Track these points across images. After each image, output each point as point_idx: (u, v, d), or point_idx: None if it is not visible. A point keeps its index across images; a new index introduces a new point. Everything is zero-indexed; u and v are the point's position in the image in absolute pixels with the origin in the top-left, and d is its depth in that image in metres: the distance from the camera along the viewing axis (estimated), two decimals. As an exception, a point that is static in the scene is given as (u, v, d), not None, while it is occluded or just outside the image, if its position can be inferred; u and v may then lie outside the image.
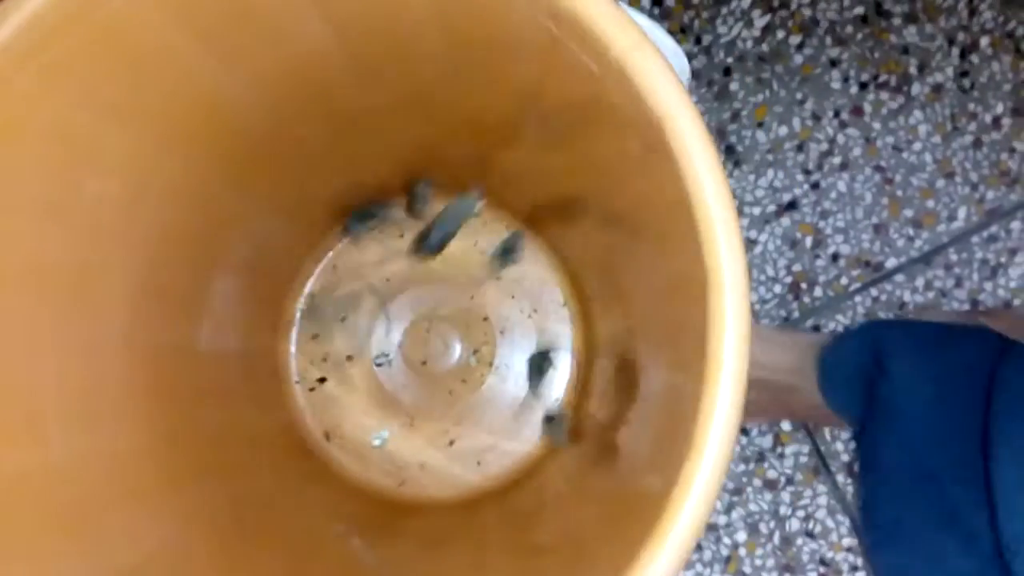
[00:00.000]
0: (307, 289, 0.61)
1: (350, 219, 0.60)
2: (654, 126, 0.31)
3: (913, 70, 0.66)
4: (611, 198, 0.45)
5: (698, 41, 0.67)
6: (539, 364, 0.60)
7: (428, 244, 0.58)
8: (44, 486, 0.35)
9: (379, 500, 0.59)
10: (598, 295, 0.58)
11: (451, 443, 0.60)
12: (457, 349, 0.60)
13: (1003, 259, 0.65)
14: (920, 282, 0.65)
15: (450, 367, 0.60)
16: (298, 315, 0.61)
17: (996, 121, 0.66)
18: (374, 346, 0.60)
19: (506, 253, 0.60)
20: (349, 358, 0.60)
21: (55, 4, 0.31)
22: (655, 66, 0.30)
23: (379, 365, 0.60)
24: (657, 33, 0.56)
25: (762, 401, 0.59)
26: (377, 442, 0.60)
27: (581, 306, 0.60)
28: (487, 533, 0.55)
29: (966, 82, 0.66)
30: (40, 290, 0.37)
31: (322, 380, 0.60)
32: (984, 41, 0.67)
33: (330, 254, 0.61)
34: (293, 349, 0.61)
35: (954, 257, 0.65)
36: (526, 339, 0.61)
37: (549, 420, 0.59)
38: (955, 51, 0.67)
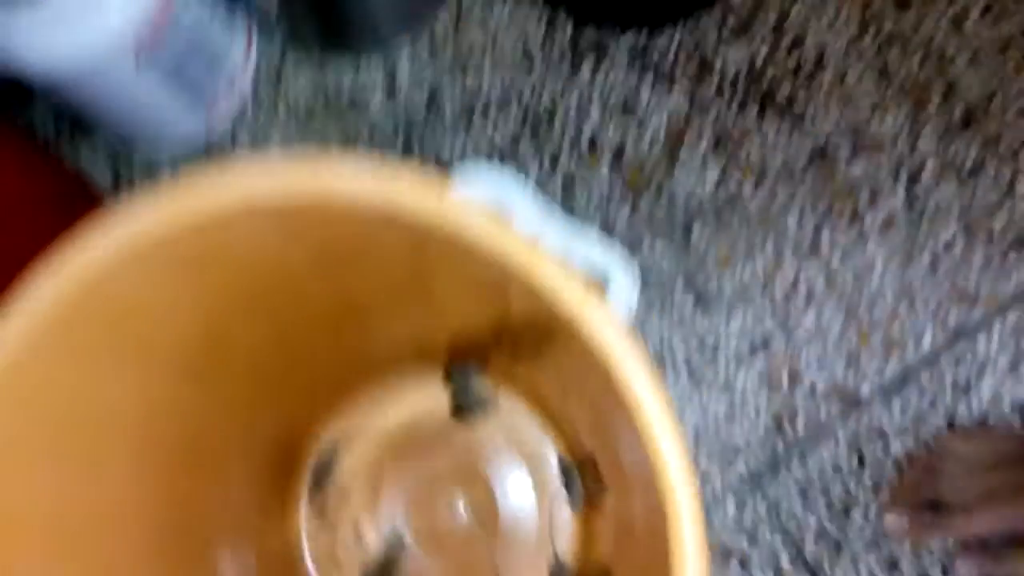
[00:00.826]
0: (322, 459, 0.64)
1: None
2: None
3: (864, 202, 0.70)
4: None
5: (659, 194, 0.71)
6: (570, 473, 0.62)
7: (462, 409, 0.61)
8: None
9: None
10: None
11: None
12: (461, 510, 0.63)
13: (972, 378, 0.68)
14: (896, 407, 0.67)
15: (457, 530, 0.63)
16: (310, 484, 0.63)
17: (948, 245, 0.69)
18: (382, 520, 0.63)
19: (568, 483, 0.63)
20: (358, 537, 0.63)
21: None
22: (604, 320, 0.34)
23: (388, 540, 0.63)
24: (607, 257, 0.62)
25: None
26: None
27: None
28: None
29: (914, 212, 0.70)
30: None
31: (337, 564, 0.63)
32: (927, 169, 0.71)
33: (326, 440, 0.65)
34: (303, 531, 0.63)
35: (926, 379, 0.68)
36: (527, 495, 0.63)
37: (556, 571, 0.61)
38: (902, 180, 0.71)
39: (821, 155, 0.71)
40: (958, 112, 0.71)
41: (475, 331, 0.57)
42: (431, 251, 0.43)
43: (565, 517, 0.63)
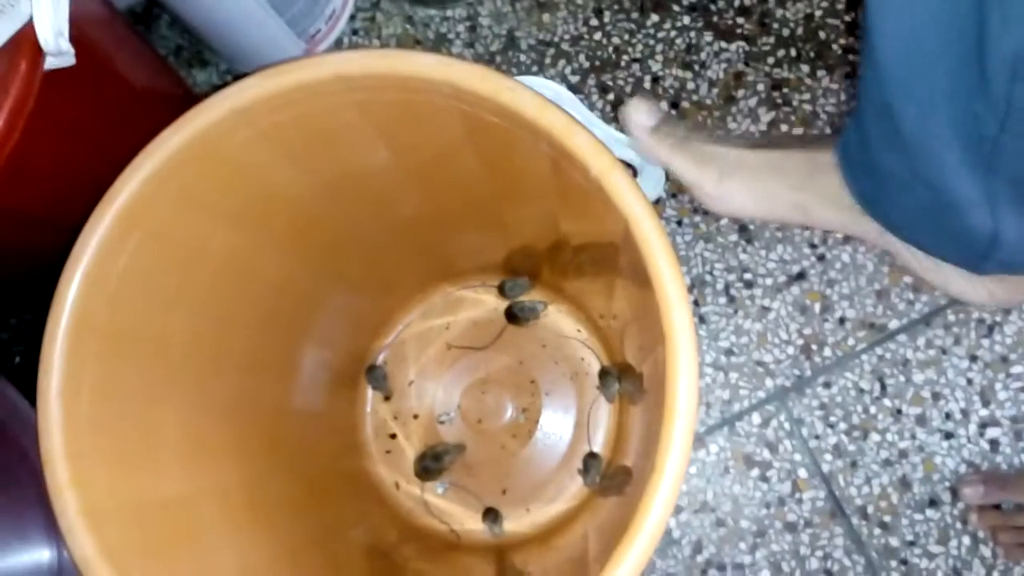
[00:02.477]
0: (380, 358, 0.72)
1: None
2: (623, 225, 0.41)
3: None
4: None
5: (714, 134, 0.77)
6: (607, 376, 0.69)
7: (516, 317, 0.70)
8: (161, 511, 0.46)
9: (440, 545, 0.69)
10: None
11: (504, 492, 0.70)
12: (508, 408, 0.71)
13: (998, 318, 0.72)
14: (921, 341, 0.72)
15: (502, 424, 0.70)
16: (370, 383, 0.72)
17: None
18: (437, 406, 0.71)
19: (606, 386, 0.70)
20: (415, 416, 0.71)
21: (189, 143, 0.44)
22: (622, 181, 0.41)
23: (442, 423, 0.71)
24: (545, 83, 0.70)
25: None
26: (439, 490, 0.70)
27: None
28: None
29: None
30: (168, 365, 0.49)
31: (393, 436, 0.71)
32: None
33: (400, 327, 0.73)
34: (368, 408, 0.72)
35: (952, 318, 0.72)
36: (567, 397, 0.70)
37: (588, 459, 0.68)
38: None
39: (869, 106, 0.76)
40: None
41: (532, 251, 0.65)
42: (503, 171, 0.50)
43: (603, 416, 0.70)
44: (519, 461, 0.70)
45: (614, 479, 0.63)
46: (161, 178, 0.45)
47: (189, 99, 0.81)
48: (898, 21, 0.42)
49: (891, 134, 0.48)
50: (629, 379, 0.65)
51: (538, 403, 0.70)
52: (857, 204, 0.60)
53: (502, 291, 0.72)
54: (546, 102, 0.41)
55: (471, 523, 0.69)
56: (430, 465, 0.68)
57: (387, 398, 0.71)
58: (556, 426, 0.70)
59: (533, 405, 0.70)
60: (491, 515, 0.67)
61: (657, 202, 0.76)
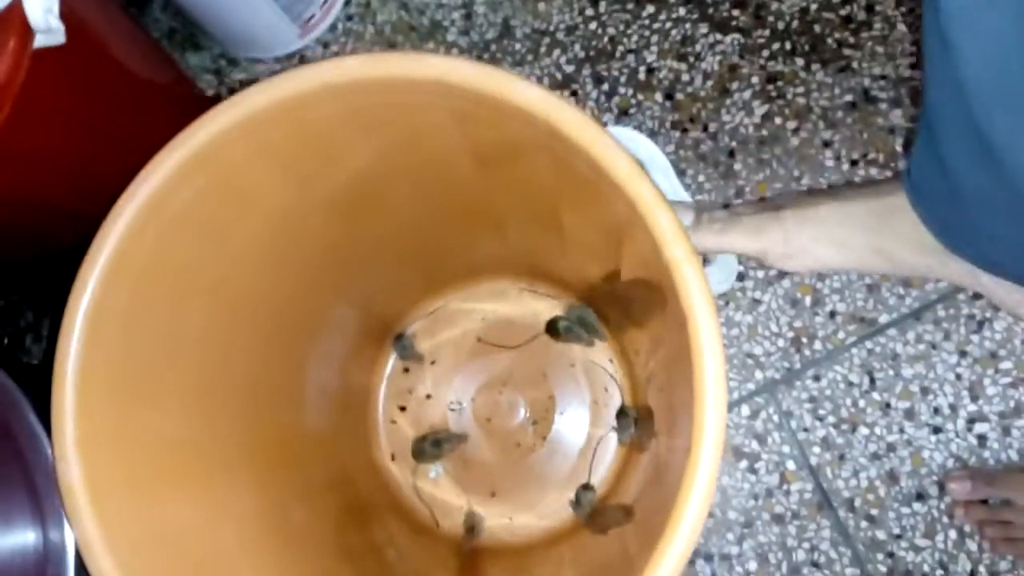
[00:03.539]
0: (410, 329, 0.72)
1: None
2: (635, 213, 0.40)
3: (899, 148, 0.75)
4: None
5: (705, 128, 0.77)
6: (625, 418, 0.69)
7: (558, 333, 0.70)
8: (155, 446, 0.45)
9: (417, 526, 0.69)
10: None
11: (493, 494, 0.69)
12: (520, 414, 0.70)
13: (988, 314, 0.72)
14: (911, 336, 0.72)
15: (510, 429, 0.70)
16: (396, 350, 0.71)
17: None
18: (452, 393, 0.70)
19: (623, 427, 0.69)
20: (428, 396, 0.71)
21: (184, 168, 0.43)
22: (624, 160, 0.40)
23: (452, 410, 0.70)
24: (631, 134, 0.70)
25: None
26: (432, 474, 0.70)
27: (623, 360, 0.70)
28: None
29: None
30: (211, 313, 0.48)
31: (402, 408, 0.71)
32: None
33: (439, 304, 0.72)
34: (387, 373, 0.72)
35: (942, 313, 0.72)
36: (580, 423, 0.70)
37: (582, 490, 0.68)
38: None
39: (864, 99, 0.76)
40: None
41: (590, 274, 0.64)
42: (567, 182, 0.49)
43: (609, 452, 0.69)
44: (516, 470, 0.70)
45: (605, 516, 0.63)
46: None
47: (182, 83, 0.81)
48: (981, 33, 0.41)
49: (979, 154, 0.46)
50: (645, 426, 0.64)
51: (551, 419, 0.70)
52: (941, 242, 0.57)
53: (553, 327, 0.71)
54: (637, 169, 0.40)
55: (454, 515, 0.69)
56: (427, 448, 0.68)
57: (406, 370, 0.71)
58: (562, 447, 0.70)
59: (545, 420, 0.70)
60: (472, 518, 0.67)
61: (740, 278, 0.75)
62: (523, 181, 0.51)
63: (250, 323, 0.53)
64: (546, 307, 0.71)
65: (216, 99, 0.84)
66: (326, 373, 0.65)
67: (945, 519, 0.70)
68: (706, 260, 0.73)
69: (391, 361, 0.72)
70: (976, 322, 0.72)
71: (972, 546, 0.70)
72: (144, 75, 0.74)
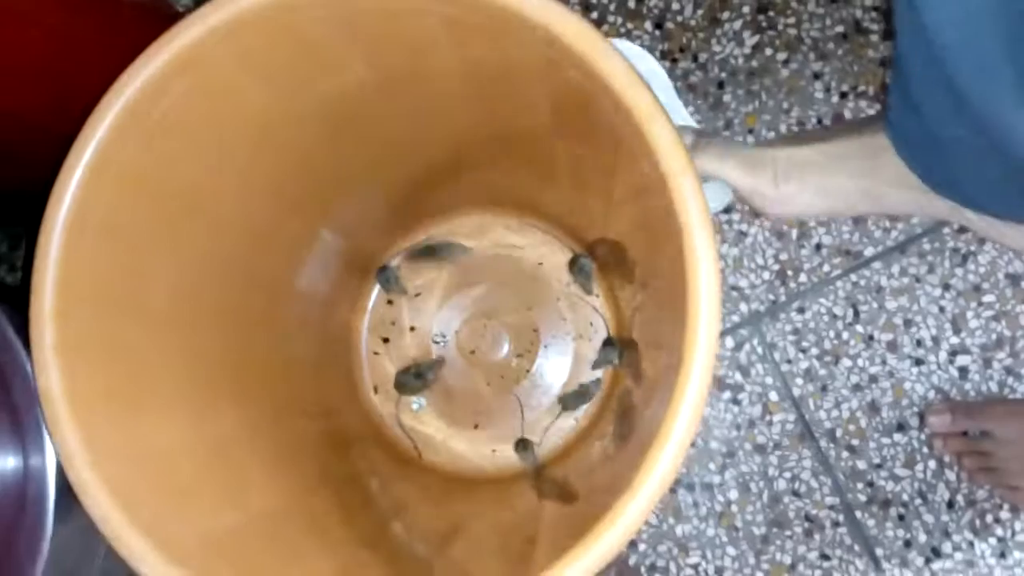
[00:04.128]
0: (395, 261, 0.71)
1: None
2: (631, 124, 0.39)
3: (889, 80, 0.74)
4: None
5: (695, 59, 0.75)
6: (580, 265, 0.69)
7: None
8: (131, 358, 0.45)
9: (399, 456, 0.69)
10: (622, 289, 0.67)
11: (476, 426, 0.69)
12: (505, 348, 0.70)
13: (972, 247, 0.72)
14: (896, 269, 0.72)
15: (494, 362, 0.70)
16: (379, 282, 0.71)
17: None
18: (435, 325, 0.70)
19: (581, 273, 0.69)
20: (412, 328, 0.70)
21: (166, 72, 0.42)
22: (622, 67, 0.39)
23: (436, 343, 0.70)
24: (634, 49, 0.68)
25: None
26: (415, 407, 0.69)
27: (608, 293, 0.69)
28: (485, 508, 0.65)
29: None
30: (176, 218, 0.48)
31: (385, 340, 0.70)
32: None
33: (425, 236, 0.71)
34: (370, 305, 0.71)
35: (927, 246, 0.72)
36: (564, 358, 0.69)
37: (519, 445, 0.68)
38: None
39: (856, 30, 0.75)
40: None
41: (581, 206, 0.63)
42: (563, 101, 0.47)
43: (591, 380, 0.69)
44: (499, 402, 0.69)
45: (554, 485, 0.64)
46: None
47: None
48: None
49: (954, 105, 0.46)
50: (630, 357, 0.64)
51: (535, 352, 0.70)
52: (925, 184, 0.58)
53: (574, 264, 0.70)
54: (635, 77, 0.39)
55: (436, 446, 0.69)
56: (410, 380, 0.67)
57: (390, 302, 0.70)
58: (545, 381, 0.69)
59: (529, 353, 0.69)
60: (523, 444, 0.67)
61: (727, 211, 0.74)
62: (516, 102, 0.50)
63: (232, 240, 0.52)
64: (531, 242, 0.70)
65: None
66: (309, 302, 0.65)
67: (925, 450, 0.71)
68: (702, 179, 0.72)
69: (374, 293, 0.71)
70: (960, 255, 0.72)
71: (951, 476, 0.71)
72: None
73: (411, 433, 0.69)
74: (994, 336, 0.71)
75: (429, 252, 0.70)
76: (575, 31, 0.40)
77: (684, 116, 0.73)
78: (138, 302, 0.45)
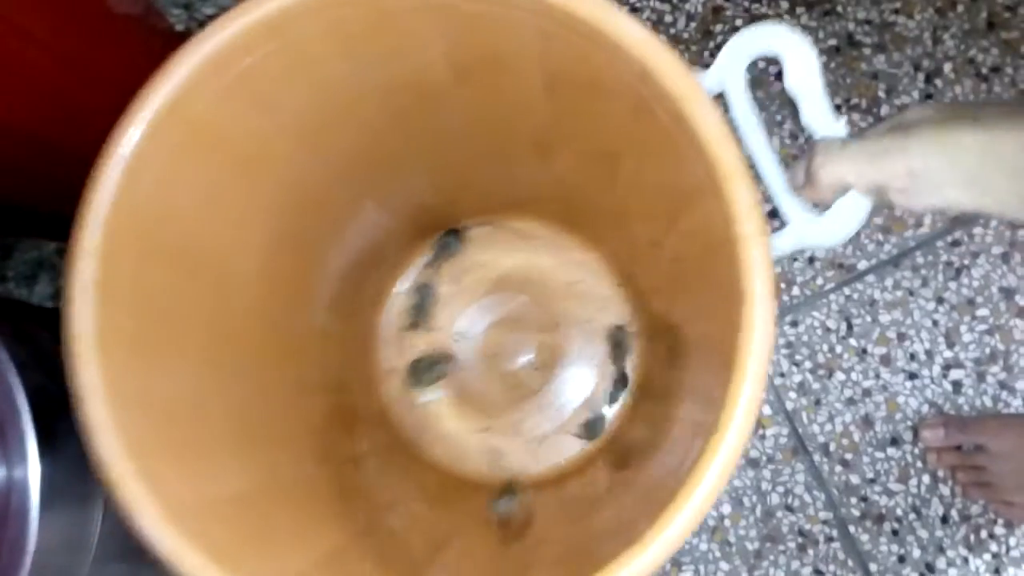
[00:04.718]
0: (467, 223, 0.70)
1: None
2: (712, 178, 0.39)
3: (882, 94, 0.74)
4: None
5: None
6: (617, 338, 0.67)
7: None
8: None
9: (401, 444, 0.67)
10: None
11: (486, 429, 0.68)
12: (524, 359, 0.69)
13: (966, 261, 0.72)
14: (889, 282, 0.72)
15: (511, 370, 0.69)
16: (439, 245, 0.71)
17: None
18: (462, 322, 0.69)
19: (617, 347, 0.68)
20: (435, 323, 0.70)
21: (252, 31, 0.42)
22: (713, 119, 0.38)
23: (456, 341, 0.69)
24: (789, 35, 0.62)
25: None
26: (429, 398, 0.68)
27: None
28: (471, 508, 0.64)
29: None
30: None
31: (412, 326, 0.70)
32: (947, 67, 0.74)
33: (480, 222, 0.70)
34: (398, 289, 0.71)
35: (920, 260, 0.72)
36: (583, 382, 0.68)
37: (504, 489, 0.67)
38: (920, 76, 0.74)
39: (848, 44, 0.75)
40: (983, 15, 0.75)
41: (633, 229, 0.62)
42: (642, 129, 0.45)
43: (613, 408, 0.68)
44: (511, 411, 0.68)
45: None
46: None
47: (151, 15, 0.78)
48: None
49: None
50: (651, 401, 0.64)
51: (554, 368, 0.68)
52: None
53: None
54: (725, 131, 0.38)
55: (441, 441, 0.68)
56: (423, 373, 0.67)
57: (418, 289, 0.70)
58: (560, 398, 0.68)
59: (549, 368, 0.68)
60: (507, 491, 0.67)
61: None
62: (592, 117, 0.49)
63: (280, 202, 0.52)
64: (570, 260, 0.69)
65: (186, 34, 0.81)
66: (340, 276, 0.64)
67: (919, 464, 0.70)
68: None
69: (410, 273, 0.70)
70: (954, 269, 0.72)
71: (945, 491, 0.70)
72: (114, 5, 0.72)
73: (420, 423, 0.68)
74: (988, 350, 0.71)
75: (460, 238, 0.69)
76: (673, 72, 0.38)
77: (829, 115, 0.66)
78: (179, 251, 0.45)
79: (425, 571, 0.52)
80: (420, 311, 0.69)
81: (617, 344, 0.67)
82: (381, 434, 0.66)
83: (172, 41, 0.80)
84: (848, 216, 0.66)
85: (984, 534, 0.69)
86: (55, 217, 0.76)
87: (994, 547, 0.69)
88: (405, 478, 0.64)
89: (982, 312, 0.71)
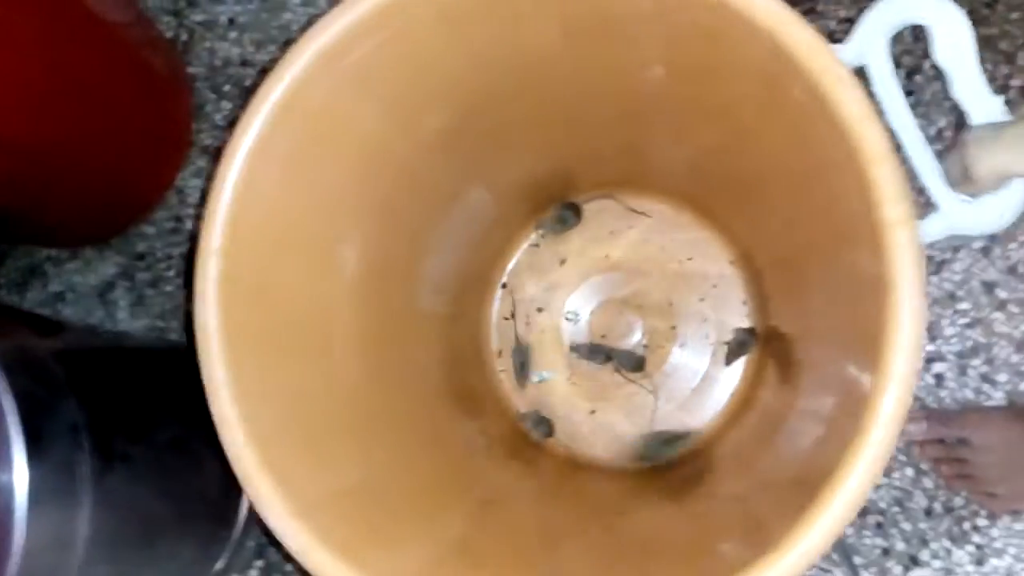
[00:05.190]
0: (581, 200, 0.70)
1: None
2: (853, 161, 0.38)
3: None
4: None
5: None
6: (739, 343, 0.67)
7: None
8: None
9: (511, 424, 0.69)
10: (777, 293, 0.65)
11: (592, 412, 0.69)
12: (637, 337, 0.68)
13: (947, 255, 0.72)
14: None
15: (623, 350, 0.69)
16: (529, 241, 0.71)
17: (939, 133, 0.74)
18: (569, 303, 0.70)
19: (739, 347, 0.67)
20: (541, 309, 0.71)
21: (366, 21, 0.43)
22: (855, 96, 0.37)
23: (568, 320, 0.69)
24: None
25: None
26: (536, 379, 0.69)
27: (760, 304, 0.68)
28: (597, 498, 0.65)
29: (911, 99, 0.74)
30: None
31: (531, 305, 0.70)
32: (926, 64, 0.75)
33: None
34: (510, 266, 0.71)
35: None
36: (700, 359, 0.68)
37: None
38: (901, 72, 0.75)
39: (829, 41, 0.75)
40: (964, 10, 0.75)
41: (762, 211, 0.61)
42: (774, 110, 0.44)
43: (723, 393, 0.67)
44: (619, 392, 0.68)
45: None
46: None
47: (142, 23, 0.79)
48: None
49: None
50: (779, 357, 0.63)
51: (668, 349, 0.68)
52: None
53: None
54: (868, 109, 0.37)
55: (553, 413, 0.69)
56: (525, 369, 0.68)
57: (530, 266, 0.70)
58: (671, 380, 0.68)
59: (662, 348, 0.68)
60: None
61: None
62: (716, 87, 0.47)
63: (387, 189, 0.53)
64: (685, 237, 0.68)
65: (175, 41, 0.82)
66: (447, 257, 0.65)
67: (902, 457, 0.71)
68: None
69: (517, 254, 0.71)
70: (935, 263, 0.73)
71: (928, 483, 0.71)
72: (104, 12, 0.73)
73: (529, 403, 0.69)
74: (969, 343, 0.72)
75: (577, 212, 0.69)
76: (808, 47, 0.37)
77: (984, 90, 0.61)
78: (297, 242, 0.47)
79: (546, 559, 0.52)
80: (522, 369, 0.70)
81: (740, 344, 0.67)
82: (493, 415, 0.67)
83: (162, 45, 0.81)
84: (1007, 201, 0.63)
85: (967, 526, 0.70)
86: (46, 224, 0.77)
87: (977, 538, 0.70)
88: (519, 463, 0.64)
89: (963, 306, 0.72)
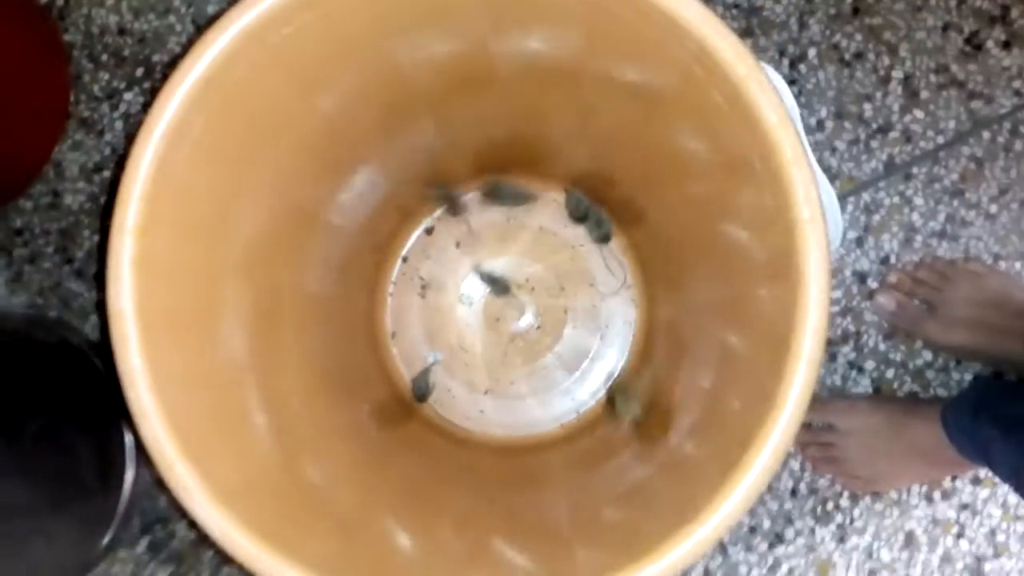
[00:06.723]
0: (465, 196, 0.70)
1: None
2: (769, 162, 0.40)
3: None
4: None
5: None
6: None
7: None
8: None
9: (402, 400, 0.69)
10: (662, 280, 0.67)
11: (485, 392, 0.70)
12: (528, 320, 0.69)
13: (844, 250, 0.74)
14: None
15: (515, 333, 0.70)
16: (424, 224, 0.71)
17: (820, 124, 0.75)
18: (464, 286, 0.70)
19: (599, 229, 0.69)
20: (439, 286, 0.71)
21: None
22: (773, 103, 0.39)
23: (461, 303, 0.70)
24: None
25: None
26: (430, 359, 0.69)
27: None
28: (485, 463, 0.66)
29: (794, 89, 0.75)
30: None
31: (424, 288, 0.71)
32: (812, 52, 0.75)
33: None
34: (405, 248, 0.71)
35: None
36: (588, 342, 0.69)
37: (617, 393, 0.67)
38: (785, 62, 0.75)
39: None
40: (848, 0, 0.76)
41: (669, 201, 0.62)
42: (690, 108, 0.45)
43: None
44: (512, 375, 0.69)
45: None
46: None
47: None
48: None
49: None
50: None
51: (559, 333, 0.69)
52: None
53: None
54: (785, 115, 0.39)
55: (440, 403, 0.69)
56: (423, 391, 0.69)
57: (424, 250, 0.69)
58: (562, 363, 0.69)
59: (553, 333, 0.69)
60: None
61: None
62: (636, 79, 0.49)
63: (292, 168, 0.53)
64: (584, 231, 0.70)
65: (50, 7, 0.79)
66: (341, 240, 0.65)
67: (771, 441, 0.74)
68: None
69: (411, 239, 0.71)
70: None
71: (794, 465, 0.74)
72: None
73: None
74: (839, 331, 0.74)
75: (494, 194, 0.69)
76: (733, 54, 0.39)
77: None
78: (210, 223, 0.46)
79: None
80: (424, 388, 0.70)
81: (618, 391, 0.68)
82: (386, 396, 0.67)
83: (35, 13, 0.77)
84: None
85: (830, 505, 0.73)
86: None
87: (839, 518, 0.73)
88: (399, 431, 0.65)
89: (835, 294, 0.74)
